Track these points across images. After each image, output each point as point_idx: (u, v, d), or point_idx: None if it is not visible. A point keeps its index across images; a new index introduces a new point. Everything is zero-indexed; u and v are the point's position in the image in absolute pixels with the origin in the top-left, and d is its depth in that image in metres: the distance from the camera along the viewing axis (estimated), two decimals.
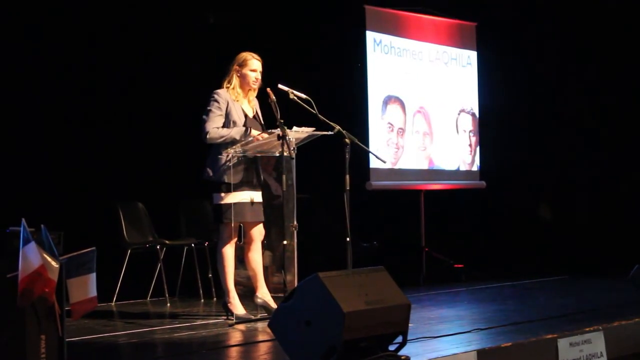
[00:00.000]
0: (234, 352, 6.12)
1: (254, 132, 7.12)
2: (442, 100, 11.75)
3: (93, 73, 10.06)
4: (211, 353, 5.95)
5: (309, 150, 7.57)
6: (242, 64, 7.34)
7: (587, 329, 6.44)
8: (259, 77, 7.34)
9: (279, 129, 6.91)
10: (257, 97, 7.46)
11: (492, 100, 12.32)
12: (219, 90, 7.29)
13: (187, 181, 8.98)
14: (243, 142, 7.07)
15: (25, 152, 9.47)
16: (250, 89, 7.38)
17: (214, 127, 7.16)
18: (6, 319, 4.35)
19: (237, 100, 7.29)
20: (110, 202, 9.10)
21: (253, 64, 7.34)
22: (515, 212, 12.64)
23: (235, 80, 7.34)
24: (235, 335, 6.73)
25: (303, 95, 7.06)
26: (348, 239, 6.96)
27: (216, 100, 7.23)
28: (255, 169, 7.33)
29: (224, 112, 7.21)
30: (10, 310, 4.31)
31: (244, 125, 7.22)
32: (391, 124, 11.10)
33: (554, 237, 12.34)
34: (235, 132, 7.14)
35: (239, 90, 7.33)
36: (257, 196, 7.31)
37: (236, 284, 7.39)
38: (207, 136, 7.15)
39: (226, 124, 7.21)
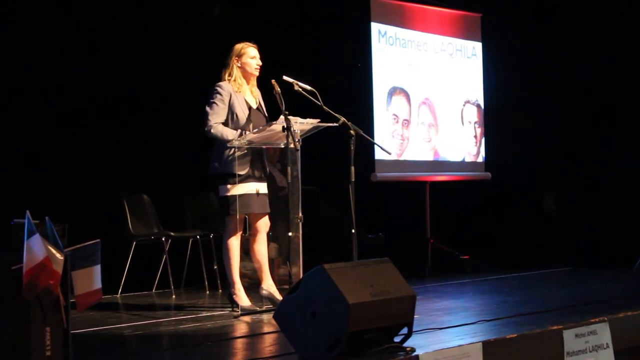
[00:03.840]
0: (239, 343, 6.12)
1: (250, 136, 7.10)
2: (447, 92, 11.74)
3: (98, 66, 10.05)
4: (216, 345, 5.95)
5: (314, 141, 7.56)
6: (240, 54, 7.36)
7: (593, 320, 6.42)
8: (260, 62, 7.38)
9: (282, 120, 6.90)
10: (261, 88, 7.46)
11: (497, 92, 12.31)
12: (221, 83, 7.30)
13: (192, 173, 8.99)
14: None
15: (30, 144, 9.46)
16: (252, 78, 7.39)
17: (217, 121, 7.17)
18: (11, 311, 4.35)
19: (240, 92, 7.30)
20: (116, 194, 9.11)
21: (251, 52, 7.37)
22: (521, 204, 12.63)
23: (236, 72, 7.35)
24: (241, 327, 6.74)
25: (308, 87, 7.06)
26: (353, 231, 6.96)
27: (219, 93, 7.23)
28: (260, 161, 7.33)
29: (227, 105, 7.22)
30: (15, 303, 4.31)
31: (248, 117, 7.23)
32: (396, 116, 11.09)
33: (559, 229, 12.33)
34: (234, 136, 7.14)
35: (240, 81, 7.34)
36: (262, 187, 7.31)
37: (241, 275, 7.40)
38: (212, 130, 7.15)
39: (229, 117, 7.21)
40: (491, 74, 12.27)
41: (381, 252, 6.77)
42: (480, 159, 12.16)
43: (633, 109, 12.04)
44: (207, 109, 7.21)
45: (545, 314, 6.93)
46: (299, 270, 7.20)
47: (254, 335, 6.41)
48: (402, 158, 11.16)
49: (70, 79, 9.83)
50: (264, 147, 7.34)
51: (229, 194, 7.18)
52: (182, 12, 10.59)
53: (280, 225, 7.85)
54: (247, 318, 7.05)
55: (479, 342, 5.58)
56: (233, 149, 7.12)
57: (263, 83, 7.37)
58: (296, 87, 7.07)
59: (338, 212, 9.42)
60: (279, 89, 7.02)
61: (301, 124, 7.11)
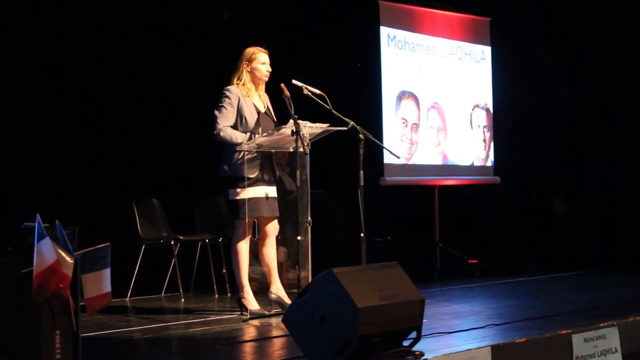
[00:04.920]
0: (248, 347, 6.12)
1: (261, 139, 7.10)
2: (456, 96, 11.73)
3: (108, 68, 10.08)
4: (225, 348, 5.96)
5: (323, 145, 7.56)
6: (251, 59, 7.35)
7: (602, 325, 6.42)
8: (270, 69, 7.37)
9: (291, 124, 6.90)
10: (270, 92, 7.46)
11: (506, 96, 12.31)
12: (229, 87, 7.30)
13: (201, 177, 9.00)
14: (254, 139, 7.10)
15: (40, 148, 9.49)
16: (260, 83, 7.39)
17: (226, 125, 7.17)
18: (21, 314, 4.37)
19: (248, 96, 7.30)
20: (125, 198, 9.12)
21: (262, 57, 7.36)
22: (530, 208, 12.62)
23: (245, 76, 7.35)
24: (250, 331, 6.74)
25: (317, 91, 7.06)
26: (362, 235, 6.95)
27: (228, 97, 7.23)
28: (269, 165, 7.34)
29: (235, 108, 7.22)
30: (25, 306, 4.32)
31: (257, 121, 7.24)
32: (405, 120, 11.09)
33: (568, 233, 12.31)
34: (243, 139, 7.14)
35: (249, 85, 7.34)
36: (271, 191, 7.31)
37: (250, 279, 7.40)
38: (221, 134, 7.15)
39: (238, 120, 7.22)
40: (500, 78, 12.26)
41: (390, 256, 6.77)
42: (489, 163, 12.15)
43: None
44: (216, 112, 7.22)
45: (554, 318, 6.93)
46: (307, 274, 7.20)
47: (262, 339, 6.40)
48: (411, 162, 11.16)
49: (80, 83, 9.86)
50: (273, 150, 7.35)
51: (238, 198, 7.18)
52: (193, 16, 10.62)
53: (289, 229, 7.84)
54: (255, 322, 7.05)
55: (488, 346, 5.58)
56: (242, 153, 7.13)
57: (272, 87, 7.38)
58: (305, 91, 7.07)
59: (347, 216, 9.43)
60: (288, 93, 7.03)
61: (310, 128, 7.11)
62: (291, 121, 6.91)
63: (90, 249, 4.59)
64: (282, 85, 7.03)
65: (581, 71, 12.46)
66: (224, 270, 9.08)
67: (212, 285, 9.20)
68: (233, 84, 7.33)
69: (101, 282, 4.60)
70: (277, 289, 7.36)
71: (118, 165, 10.06)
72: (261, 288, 7.64)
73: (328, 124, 7.15)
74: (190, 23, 10.62)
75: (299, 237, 7.14)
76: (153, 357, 5.94)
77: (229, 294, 8.99)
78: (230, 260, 7.45)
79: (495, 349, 5.58)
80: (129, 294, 8.79)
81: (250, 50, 7.37)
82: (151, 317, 7.62)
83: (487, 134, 12.12)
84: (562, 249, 12.12)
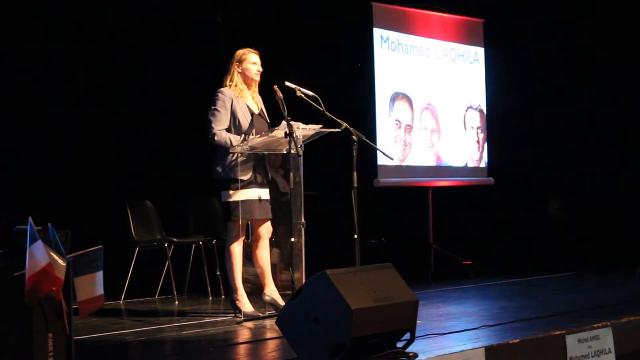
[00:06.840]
0: (242, 349, 6.12)
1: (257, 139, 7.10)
2: (449, 97, 11.74)
3: (101, 71, 10.06)
4: (219, 351, 5.95)
5: (317, 147, 7.56)
6: (241, 60, 7.37)
7: (596, 325, 6.42)
8: (260, 69, 7.38)
9: (284, 126, 6.90)
10: (263, 94, 7.46)
11: (499, 97, 12.32)
12: (222, 89, 7.30)
13: (195, 179, 9.00)
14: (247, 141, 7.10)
15: (32, 150, 9.46)
16: (253, 84, 7.39)
17: (221, 128, 7.17)
18: (14, 317, 4.36)
19: (241, 97, 7.30)
20: (119, 201, 9.11)
21: (252, 58, 7.37)
22: (524, 209, 12.62)
23: (237, 77, 7.35)
24: (243, 333, 6.73)
25: (310, 93, 7.05)
26: (356, 236, 6.95)
27: (221, 99, 7.23)
28: (262, 167, 7.34)
29: (229, 110, 7.22)
30: (18, 309, 4.31)
31: (250, 122, 7.23)
32: (399, 121, 11.10)
33: (562, 234, 12.32)
34: (237, 142, 7.14)
35: (241, 86, 7.35)
36: (264, 194, 7.31)
37: (244, 281, 7.40)
38: (215, 138, 7.15)
39: (231, 122, 7.21)
40: (493, 79, 12.27)
41: (384, 258, 6.76)
42: (483, 164, 12.15)
43: (636, 111, 12.04)
44: (210, 116, 7.22)
45: (547, 319, 6.93)
46: (301, 276, 7.19)
47: (256, 341, 6.40)
48: (404, 163, 11.16)
49: (72, 85, 9.84)
50: (266, 152, 7.35)
51: (231, 200, 7.18)
52: (185, 18, 10.60)
53: (282, 231, 7.84)
54: (249, 324, 7.05)
55: (482, 347, 5.59)
56: (235, 155, 7.13)
57: (265, 88, 7.38)
58: (298, 93, 7.06)
59: (340, 218, 9.42)
60: (281, 95, 7.02)
61: (303, 130, 7.11)
62: (284, 123, 6.91)
63: (83, 251, 4.58)
64: (275, 87, 7.04)
65: (575, 72, 12.46)
66: (218, 273, 9.08)
67: (206, 288, 9.20)
68: (225, 86, 7.33)
69: (94, 284, 4.60)
70: (271, 291, 7.36)
71: (111, 167, 10.04)
72: (255, 290, 7.64)
73: (321, 126, 7.15)
74: (184, 25, 10.60)
75: (292, 239, 7.13)
76: None
77: (222, 296, 8.99)
78: (224, 262, 7.45)
79: (489, 350, 5.58)
80: (122, 296, 8.79)
81: (240, 51, 7.39)
82: (145, 319, 7.62)
83: (481, 135, 12.12)
84: (556, 249, 12.12)
